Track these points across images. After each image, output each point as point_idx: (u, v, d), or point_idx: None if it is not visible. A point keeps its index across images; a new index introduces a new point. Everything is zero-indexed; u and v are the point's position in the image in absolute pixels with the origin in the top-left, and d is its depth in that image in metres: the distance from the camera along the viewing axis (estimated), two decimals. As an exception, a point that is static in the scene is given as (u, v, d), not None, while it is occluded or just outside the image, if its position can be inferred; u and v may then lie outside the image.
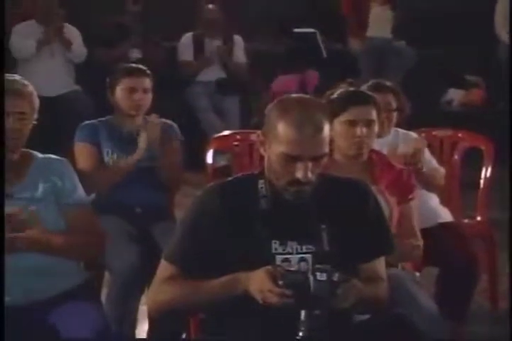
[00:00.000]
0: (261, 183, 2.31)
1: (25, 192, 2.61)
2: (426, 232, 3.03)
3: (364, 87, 3.39)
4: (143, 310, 3.00)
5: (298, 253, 2.26)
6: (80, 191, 2.73)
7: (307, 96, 2.37)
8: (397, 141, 3.54)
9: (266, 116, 2.28)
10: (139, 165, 3.47)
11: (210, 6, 6.80)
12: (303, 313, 2.07)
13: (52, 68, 6.10)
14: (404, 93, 3.64)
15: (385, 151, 3.18)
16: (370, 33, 7.34)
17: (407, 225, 2.91)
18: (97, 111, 5.12)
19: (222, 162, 4.71)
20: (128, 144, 3.48)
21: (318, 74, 6.89)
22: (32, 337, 2.50)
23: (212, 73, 6.62)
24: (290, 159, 2.21)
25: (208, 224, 2.28)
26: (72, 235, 2.61)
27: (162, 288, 2.30)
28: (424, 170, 3.37)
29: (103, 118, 3.62)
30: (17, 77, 2.73)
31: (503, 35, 7.10)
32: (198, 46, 6.63)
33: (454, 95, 7.48)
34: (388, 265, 2.49)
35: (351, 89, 3.11)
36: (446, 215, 3.63)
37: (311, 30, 7.37)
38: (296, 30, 7.39)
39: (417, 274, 3.13)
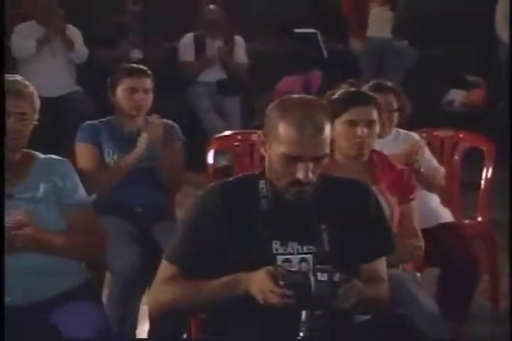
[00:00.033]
0: (262, 183, 2.31)
1: (26, 192, 2.61)
2: (427, 233, 3.03)
3: (365, 88, 3.39)
4: (144, 310, 3.00)
5: (299, 253, 2.26)
6: (81, 191, 2.73)
7: (308, 96, 2.37)
8: (398, 142, 3.54)
9: (267, 117, 2.28)
10: (139, 166, 3.47)
11: (211, 6, 6.80)
12: (304, 313, 2.07)
13: (53, 69, 6.10)
14: (406, 93, 3.64)
15: (385, 152, 3.18)
16: (370, 33, 7.35)
17: (408, 225, 2.91)
18: (98, 112, 5.12)
19: (223, 162, 4.71)
20: (129, 144, 3.48)
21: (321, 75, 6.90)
22: (33, 338, 2.50)
23: (214, 73, 6.62)
24: (291, 159, 2.21)
25: (208, 225, 2.28)
26: (73, 235, 2.61)
27: (163, 288, 2.30)
28: (422, 170, 3.38)
29: (104, 119, 3.62)
30: (18, 77, 2.73)
31: (504, 35, 7.10)
32: (199, 46, 6.64)
33: (455, 95, 7.48)
34: (389, 265, 2.49)
35: (352, 89, 3.11)
36: (447, 216, 3.63)
37: (312, 30, 7.38)
38: (297, 30, 7.40)
39: (418, 275, 3.13)
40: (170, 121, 3.65)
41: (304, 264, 2.24)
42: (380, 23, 7.31)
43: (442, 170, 3.64)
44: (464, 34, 7.20)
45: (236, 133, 4.14)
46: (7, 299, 2.47)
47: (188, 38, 6.69)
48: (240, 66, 6.68)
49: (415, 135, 3.66)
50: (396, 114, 3.53)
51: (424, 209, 3.16)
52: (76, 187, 2.71)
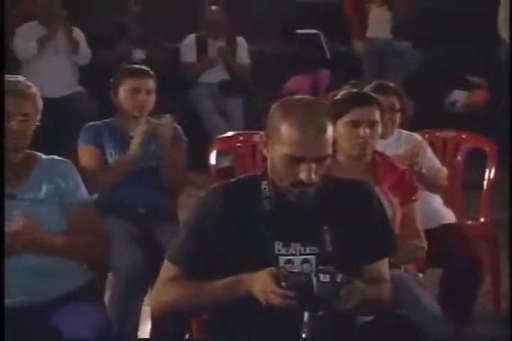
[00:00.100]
0: (264, 184, 2.31)
1: (28, 193, 2.61)
2: (429, 233, 3.03)
3: (367, 88, 3.39)
4: (146, 310, 3.00)
5: (301, 254, 2.26)
6: (83, 192, 2.73)
7: (310, 97, 2.37)
8: (400, 142, 3.54)
9: (269, 118, 2.28)
10: (142, 166, 3.48)
11: (214, 7, 6.80)
12: (306, 315, 2.07)
13: (55, 69, 6.10)
14: (408, 94, 3.64)
15: (388, 152, 3.18)
16: (370, 33, 7.35)
17: (410, 226, 2.91)
18: (100, 113, 5.12)
19: (226, 163, 4.71)
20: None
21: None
22: (35, 339, 2.49)
23: (216, 74, 6.62)
24: (293, 160, 2.21)
25: (211, 225, 2.28)
26: (75, 235, 2.61)
27: (165, 288, 2.30)
28: (424, 171, 3.38)
29: (106, 120, 3.62)
30: (21, 78, 2.73)
31: (505, 34, 7.10)
32: (201, 47, 6.64)
33: (458, 96, 7.47)
34: (391, 266, 2.49)
35: (354, 90, 3.12)
36: (449, 216, 3.63)
37: (315, 31, 7.39)
38: (299, 31, 7.41)
39: (421, 275, 3.13)
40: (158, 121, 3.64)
41: (306, 265, 2.24)
42: (379, 23, 7.31)
43: (445, 170, 3.64)
44: (466, 34, 7.20)
45: (238, 134, 4.14)
46: (9, 300, 2.47)
47: (190, 39, 6.70)
48: (243, 67, 6.68)
49: (417, 136, 3.66)
50: (398, 115, 3.53)
51: (426, 209, 3.16)
52: (78, 187, 2.71)
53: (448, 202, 3.74)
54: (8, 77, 2.69)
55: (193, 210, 2.34)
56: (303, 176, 2.20)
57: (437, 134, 4.06)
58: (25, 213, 2.49)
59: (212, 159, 3.78)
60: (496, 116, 6.82)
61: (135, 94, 3.55)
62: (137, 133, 3.45)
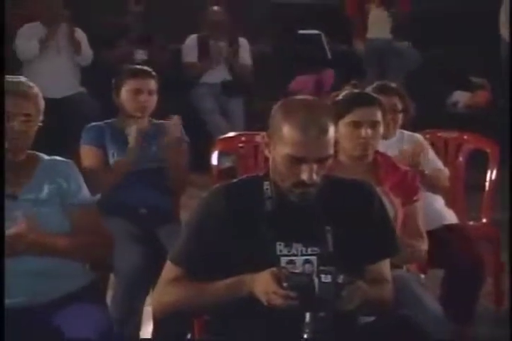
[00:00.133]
0: (266, 185, 2.31)
1: (30, 193, 2.61)
2: (431, 234, 3.03)
3: (369, 89, 3.39)
4: (148, 311, 3.00)
5: (303, 255, 2.26)
6: (85, 192, 2.73)
7: (312, 97, 2.37)
8: (402, 143, 3.54)
9: (271, 118, 2.28)
10: (143, 167, 3.48)
11: (215, 7, 6.80)
12: (308, 315, 2.07)
13: (57, 70, 6.10)
14: (410, 94, 3.64)
15: (390, 153, 3.18)
16: (370, 34, 7.35)
17: (412, 227, 2.91)
18: (102, 113, 5.12)
19: (227, 163, 4.72)
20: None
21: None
22: (37, 339, 2.50)
23: (217, 74, 6.62)
24: (295, 161, 2.21)
25: (213, 226, 2.28)
26: (77, 236, 2.61)
27: (167, 289, 2.30)
28: (426, 172, 3.37)
29: (108, 120, 3.63)
30: (22, 78, 2.73)
31: (505, 33, 7.10)
32: (203, 48, 6.63)
33: (460, 97, 7.47)
34: (393, 266, 2.49)
35: (356, 90, 3.12)
36: (451, 217, 3.63)
37: (316, 31, 7.39)
38: (300, 32, 7.41)
39: (422, 276, 3.13)
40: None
41: (307, 266, 2.24)
42: (379, 24, 7.32)
43: (446, 171, 3.64)
44: (466, 34, 7.19)
45: (240, 134, 4.14)
46: (10, 301, 2.47)
47: (192, 40, 6.69)
48: (245, 67, 6.68)
49: (419, 136, 3.66)
50: (400, 115, 3.53)
51: (428, 210, 3.16)
52: (80, 188, 2.71)
53: (450, 203, 3.73)
54: (10, 78, 2.69)
55: (195, 211, 2.34)
56: (304, 177, 2.20)
57: (439, 135, 4.06)
58: (27, 215, 2.49)
59: (214, 159, 3.78)
60: (497, 117, 6.82)
61: (137, 94, 3.55)
62: (131, 133, 3.45)
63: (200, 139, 4.79)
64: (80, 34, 6.20)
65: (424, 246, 2.91)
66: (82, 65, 6.23)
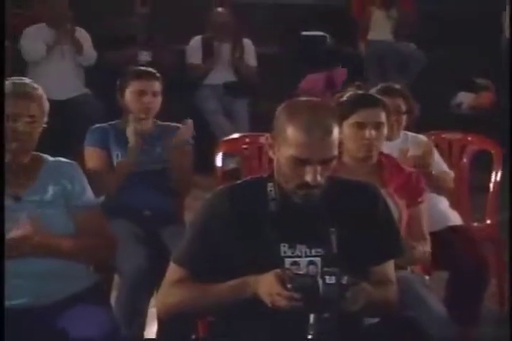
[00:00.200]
0: (270, 186, 2.31)
1: (35, 195, 2.61)
2: (435, 236, 3.03)
3: (373, 90, 3.39)
4: (152, 312, 3.00)
5: (307, 256, 2.25)
6: (90, 194, 2.73)
7: (316, 99, 2.37)
8: (406, 144, 3.54)
9: (275, 119, 2.28)
10: (147, 169, 3.48)
11: (220, 9, 6.80)
12: (312, 316, 2.07)
13: (62, 71, 6.11)
14: (414, 96, 3.63)
15: (394, 154, 3.18)
16: (372, 36, 7.35)
17: (416, 228, 2.91)
18: (106, 115, 5.13)
19: (232, 165, 4.72)
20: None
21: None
22: (41, 340, 2.50)
23: (221, 76, 6.62)
24: (299, 162, 2.21)
25: (217, 227, 2.28)
26: (81, 238, 2.62)
27: (171, 290, 2.30)
28: (433, 172, 3.37)
29: (112, 122, 3.63)
30: (27, 80, 2.73)
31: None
32: (207, 49, 6.64)
33: (464, 98, 7.46)
34: (398, 268, 2.49)
35: (360, 92, 3.12)
36: (455, 218, 3.62)
37: (321, 33, 7.39)
38: (305, 33, 7.41)
39: (427, 277, 3.13)
40: (179, 124, 3.65)
41: (311, 267, 2.24)
42: (380, 25, 7.31)
43: (451, 173, 3.63)
44: (470, 35, 7.19)
45: (244, 135, 4.14)
46: (15, 302, 2.47)
47: (196, 41, 6.70)
48: (249, 69, 6.68)
49: (424, 137, 3.66)
50: (404, 117, 3.53)
51: (432, 212, 3.16)
52: (84, 189, 2.71)
53: (454, 204, 3.73)
54: (15, 79, 2.70)
55: (199, 212, 2.34)
56: (308, 178, 2.20)
57: (443, 136, 4.06)
58: (32, 216, 2.49)
59: (218, 161, 3.78)
60: (501, 118, 6.80)
61: (141, 96, 3.55)
62: (129, 134, 3.45)
63: (204, 141, 4.80)
64: (84, 34, 6.21)
65: (427, 247, 2.90)
66: (85, 65, 6.23)
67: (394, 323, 2.28)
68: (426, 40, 7.23)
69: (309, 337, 2.06)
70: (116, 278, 3.26)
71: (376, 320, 2.36)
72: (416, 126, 3.68)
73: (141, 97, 3.55)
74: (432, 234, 2.98)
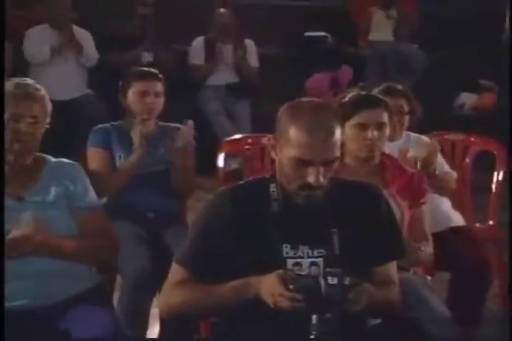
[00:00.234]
0: (272, 187, 2.31)
1: (37, 195, 2.61)
2: (438, 236, 3.03)
3: (376, 91, 3.39)
4: (154, 312, 3.00)
5: (309, 257, 2.26)
6: (92, 195, 2.73)
7: (318, 100, 2.37)
8: (408, 145, 3.54)
9: (277, 120, 2.28)
10: (150, 170, 3.48)
11: (222, 9, 6.80)
12: (314, 317, 2.07)
13: (64, 72, 6.11)
14: (416, 96, 3.63)
15: (396, 155, 3.18)
16: (372, 37, 7.35)
17: (418, 229, 2.91)
18: (109, 115, 5.13)
19: (234, 165, 4.72)
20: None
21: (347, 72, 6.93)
22: (44, 340, 2.50)
23: (223, 77, 6.62)
24: (301, 163, 2.21)
25: (219, 228, 2.28)
26: (84, 239, 2.62)
27: (173, 291, 2.31)
28: (436, 173, 3.37)
29: (115, 122, 3.63)
30: (29, 80, 2.73)
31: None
32: (210, 50, 6.64)
33: (466, 99, 7.46)
34: (400, 269, 2.49)
35: (362, 92, 3.12)
36: (458, 219, 3.62)
37: (323, 33, 7.39)
38: (307, 34, 7.42)
39: (429, 278, 3.12)
40: (179, 125, 3.65)
41: (314, 268, 2.24)
42: (381, 26, 7.31)
43: (454, 173, 3.63)
44: (475, 36, 7.18)
45: (246, 136, 4.14)
46: (18, 303, 2.47)
47: (199, 42, 6.70)
48: (251, 70, 6.68)
49: (427, 138, 3.66)
50: (407, 117, 3.53)
51: (435, 212, 3.16)
52: (87, 190, 2.71)
53: (456, 205, 3.73)
54: (17, 80, 2.70)
55: (201, 213, 2.34)
56: (311, 179, 2.20)
57: (446, 137, 4.06)
58: (35, 216, 2.49)
59: (221, 162, 3.78)
60: (503, 119, 6.80)
61: (143, 96, 3.55)
62: (135, 135, 3.45)
63: (207, 141, 4.80)
64: (85, 35, 6.20)
65: (429, 248, 2.90)
66: (87, 65, 6.23)
67: (396, 324, 2.28)
68: (427, 41, 7.23)
69: (312, 337, 2.06)
70: (118, 278, 3.26)
71: (378, 320, 2.36)
72: (418, 127, 3.68)
73: (144, 98, 3.55)
74: (434, 235, 2.98)
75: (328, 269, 2.13)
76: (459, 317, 2.91)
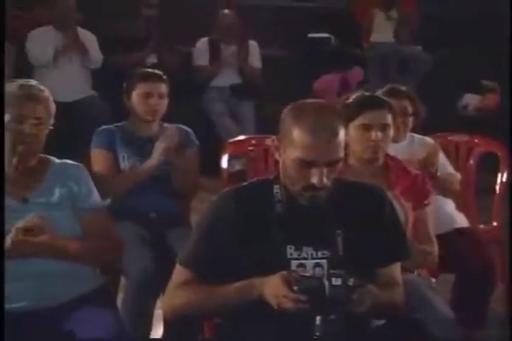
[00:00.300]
0: (276, 188, 2.31)
1: (41, 197, 2.62)
2: (442, 238, 3.02)
3: (380, 92, 3.39)
4: (158, 313, 3.00)
5: (313, 258, 2.26)
6: (96, 196, 2.74)
7: (322, 101, 2.37)
8: (412, 146, 3.54)
9: (281, 122, 2.28)
10: (154, 171, 3.48)
11: (226, 11, 6.80)
12: (318, 318, 2.07)
13: (68, 73, 6.11)
14: (420, 98, 3.63)
15: (400, 156, 3.18)
16: (374, 38, 7.34)
17: (422, 231, 2.90)
18: (113, 117, 5.13)
19: (238, 167, 4.71)
20: (143, 149, 3.49)
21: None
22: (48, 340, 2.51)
23: (227, 78, 6.62)
24: (305, 164, 2.21)
25: (223, 229, 2.28)
26: (88, 241, 2.62)
27: (177, 292, 2.31)
28: (438, 174, 3.37)
29: (119, 124, 3.63)
30: (33, 82, 2.73)
31: None
32: (214, 51, 6.64)
33: (470, 100, 7.45)
34: (404, 270, 2.48)
35: (366, 93, 3.12)
36: (462, 221, 3.62)
37: (326, 35, 7.39)
38: (310, 35, 7.42)
39: (433, 280, 3.12)
40: (184, 127, 3.65)
41: (318, 269, 2.24)
42: (383, 27, 7.31)
43: (458, 175, 3.63)
44: (478, 37, 7.17)
45: (250, 137, 4.15)
46: (22, 304, 2.47)
47: (203, 43, 6.70)
48: (255, 71, 6.68)
49: (430, 139, 3.66)
50: (411, 119, 3.53)
51: (439, 214, 3.15)
52: (91, 192, 2.72)
53: (460, 207, 3.73)
54: (21, 81, 2.70)
55: (205, 214, 2.34)
56: (314, 180, 2.20)
57: (449, 138, 4.06)
58: (40, 216, 2.50)
59: (224, 163, 3.78)
60: (504, 119, 6.79)
61: (148, 98, 3.56)
62: (160, 145, 3.44)
63: (210, 142, 4.81)
64: (89, 37, 6.20)
65: (434, 250, 2.90)
66: (92, 67, 6.23)
67: (400, 325, 2.28)
68: (429, 42, 7.22)
69: (315, 338, 2.06)
70: (122, 280, 3.26)
71: (382, 321, 2.36)
72: (422, 128, 3.68)
73: (148, 99, 3.56)
74: (438, 237, 2.98)
75: (332, 270, 2.13)
76: (463, 318, 2.92)
